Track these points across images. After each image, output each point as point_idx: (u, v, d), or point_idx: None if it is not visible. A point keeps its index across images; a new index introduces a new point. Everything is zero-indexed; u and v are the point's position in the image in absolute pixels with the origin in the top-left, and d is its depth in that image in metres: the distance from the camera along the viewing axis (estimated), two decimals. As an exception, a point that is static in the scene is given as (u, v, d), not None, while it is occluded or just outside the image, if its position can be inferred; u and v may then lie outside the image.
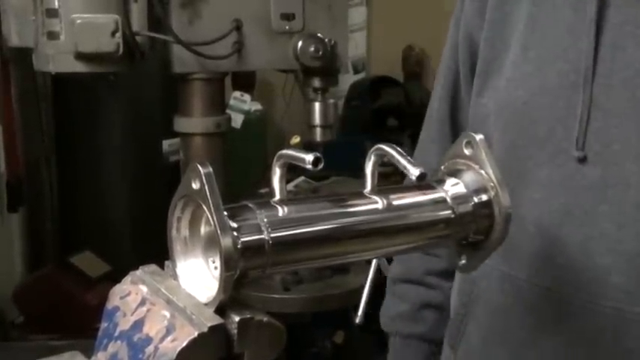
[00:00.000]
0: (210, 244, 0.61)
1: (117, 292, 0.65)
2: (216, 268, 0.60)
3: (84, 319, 2.08)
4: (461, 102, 1.11)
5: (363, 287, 1.80)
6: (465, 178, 0.70)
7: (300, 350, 2.47)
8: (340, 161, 2.24)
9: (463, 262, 0.72)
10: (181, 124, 1.53)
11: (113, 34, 1.32)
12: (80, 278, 2.59)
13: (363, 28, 4.57)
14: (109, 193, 2.89)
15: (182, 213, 0.62)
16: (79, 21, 1.31)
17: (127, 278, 0.65)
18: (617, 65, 0.89)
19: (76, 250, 2.72)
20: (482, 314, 1.03)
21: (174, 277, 0.63)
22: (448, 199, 0.68)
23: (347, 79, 4.30)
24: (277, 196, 0.63)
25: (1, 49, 1.83)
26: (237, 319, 0.58)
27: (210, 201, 0.57)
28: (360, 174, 0.69)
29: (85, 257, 2.69)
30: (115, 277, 0.67)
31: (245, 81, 1.62)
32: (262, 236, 0.59)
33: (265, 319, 0.59)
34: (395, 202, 0.67)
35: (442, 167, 0.72)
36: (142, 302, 0.62)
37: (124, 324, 0.62)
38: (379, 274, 1.75)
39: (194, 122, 1.51)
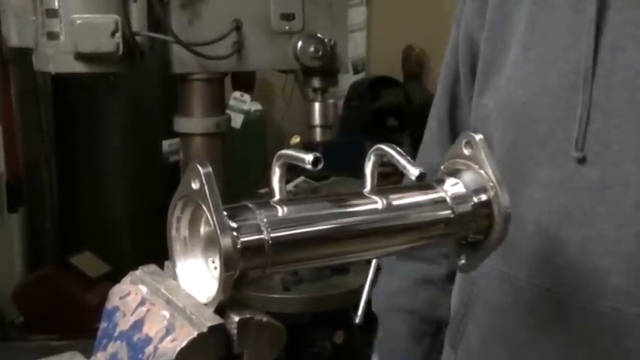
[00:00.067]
0: (210, 244, 0.62)
1: (116, 292, 0.65)
2: (215, 268, 0.60)
3: (84, 319, 2.07)
4: (460, 102, 1.11)
5: (362, 287, 1.80)
6: (464, 178, 0.70)
7: (300, 350, 2.47)
8: (340, 161, 2.24)
9: (462, 261, 0.72)
10: (181, 124, 1.53)
11: (113, 34, 1.32)
12: (80, 278, 2.59)
13: (362, 28, 4.57)
14: (108, 193, 2.89)
15: (182, 213, 0.62)
16: (78, 21, 1.31)
17: (127, 278, 0.65)
18: (616, 66, 0.89)
19: (76, 251, 2.72)
20: (481, 314, 1.03)
21: (174, 277, 0.63)
22: (448, 199, 0.68)
23: (347, 79, 4.29)
24: (277, 196, 0.63)
25: (1, 50, 1.83)
26: (236, 319, 0.58)
27: (209, 201, 0.57)
28: (359, 174, 0.69)
29: (84, 257, 2.69)
30: (115, 278, 0.67)
31: (245, 81, 1.62)
32: (262, 236, 0.59)
33: (265, 319, 0.59)
34: (394, 202, 0.67)
35: (442, 167, 0.72)
36: (142, 302, 0.62)
37: (124, 324, 0.62)
38: (379, 274, 1.75)
39: (194, 122, 1.51)
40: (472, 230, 0.69)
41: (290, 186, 2.80)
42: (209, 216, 0.57)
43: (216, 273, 0.58)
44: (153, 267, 0.66)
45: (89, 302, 2.44)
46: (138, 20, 1.37)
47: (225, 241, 0.56)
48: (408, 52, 4.58)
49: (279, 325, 0.60)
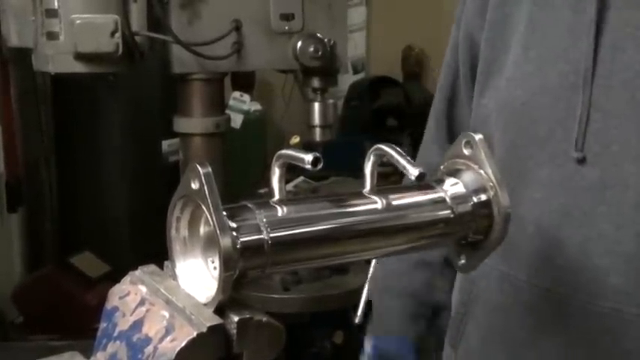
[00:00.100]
0: (210, 244, 0.62)
1: (116, 292, 0.65)
2: (215, 268, 0.60)
3: (83, 319, 2.07)
4: (459, 102, 1.12)
5: (362, 287, 1.80)
6: (464, 178, 0.70)
7: (300, 350, 2.47)
8: (340, 161, 2.24)
9: (462, 261, 0.72)
10: (181, 124, 1.53)
11: (112, 34, 1.32)
12: (80, 278, 2.59)
13: (362, 28, 4.57)
14: (108, 193, 2.89)
15: (181, 213, 0.62)
16: (78, 21, 1.31)
17: (126, 278, 0.65)
18: (616, 67, 0.89)
19: (76, 251, 2.72)
20: (481, 314, 1.03)
21: (174, 277, 0.63)
22: (447, 199, 0.68)
23: (346, 79, 4.29)
24: (276, 196, 0.63)
25: (0, 50, 1.83)
26: (236, 319, 0.58)
27: (209, 201, 0.57)
28: (359, 174, 0.69)
29: (84, 257, 2.69)
30: (115, 278, 0.67)
31: (244, 81, 1.61)
32: (261, 236, 0.59)
33: (264, 319, 0.59)
34: (394, 202, 0.67)
35: (441, 167, 0.72)
36: (141, 302, 0.62)
37: (123, 324, 0.62)
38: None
39: (193, 122, 1.51)
40: (472, 230, 0.69)
41: (290, 186, 2.80)
42: (209, 216, 0.57)
43: (216, 273, 0.58)
44: (152, 267, 0.66)
45: (89, 302, 2.44)
46: (137, 20, 1.37)
47: (225, 241, 0.56)
48: (408, 52, 4.58)
49: (279, 325, 0.60)
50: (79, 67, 1.34)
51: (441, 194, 0.69)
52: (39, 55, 1.38)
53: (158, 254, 0.67)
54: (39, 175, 2.92)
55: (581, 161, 0.90)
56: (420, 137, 1.21)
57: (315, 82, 1.53)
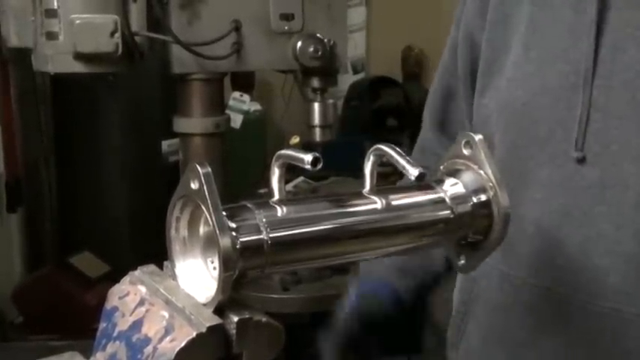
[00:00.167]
0: (209, 244, 0.62)
1: (116, 292, 0.65)
2: (215, 268, 0.60)
3: (83, 319, 2.07)
4: (453, 103, 1.12)
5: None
6: (464, 179, 0.70)
7: (299, 350, 2.47)
8: (339, 161, 2.24)
9: (462, 262, 0.72)
10: (180, 124, 1.53)
11: (112, 34, 1.32)
12: (79, 278, 2.59)
13: (362, 28, 4.57)
14: (108, 193, 2.89)
15: (181, 213, 0.62)
16: (78, 21, 1.31)
17: (126, 278, 0.65)
18: (617, 67, 0.89)
19: (76, 251, 2.72)
20: (482, 313, 1.03)
21: (173, 277, 0.63)
22: (447, 199, 0.68)
23: (346, 80, 4.29)
24: (276, 197, 0.63)
25: (0, 50, 1.83)
26: (235, 319, 0.58)
27: (208, 201, 0.57)
28: (359, 174, 0.69)
29: (84, 257, 2.69)
30: (114, 278, 0.67)
31: (244, 81, 1.61)
32: (261, 236, 0.59)
33: (264, 319, 0.59)
34: (394, 202, 0.67)
35: (441, 167, 0.72)
36: (141, 302, 0.62)
37: (123, 324, 0.62)
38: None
39: (193, 122, 1.51)
40: (471, 230, 0.69)
41: (289, 186, 2.80)
42: (208, 216, 0.57)
43: (216, 273, 0.58)
44: (152, 267, 0.66)
45: (88, 302, 2.44)
46: (137, 20, 1.37)
47: (225, 242, 0.56)
48: (408, 53, 4.58)
49: (278, 325, 0.60)
50: (78, 67, 1.34)
51: (441, 194, 0.69)
52: (38, 55, 1.38)
53: (158, 254, 0.67)
54: (39, 175, 2.91)
55: (581, 161, 0.90)
56: (420, 137, 1.22)
57: (315, 82, 1.53)
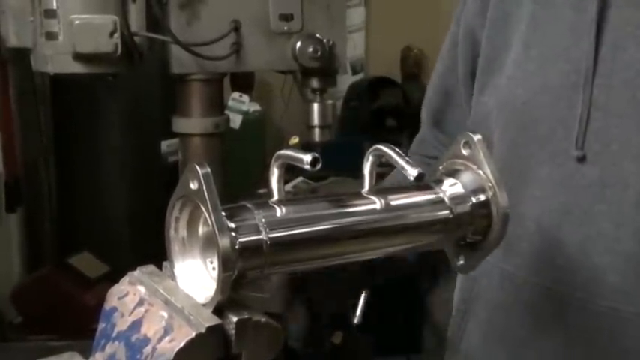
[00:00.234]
0: (208, 244, 0.62)
1: (115, 292, 0.65)
2: (214, 268, 0.60)
3: (82, 319, 2.07)
4: (452, 100, 1.12)
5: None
6: (463, 179, 0.70)
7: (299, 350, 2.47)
8: (339, 162, 2.23)
9: (461, 262, 0.72)
10: (180, 124, 1.52)
11: (111, 34, 1.32)
12: (79, 279, 2.59)
13: (361, 28, 4.57)
14: (107, 193, 2.88)
15: (180, 213, 0.62)
16: (77, 22, 1.31)
17: (125, 279, 0.65)
18: (617, 66, 0.89)
19: (75, 251, 2.72)
20: (482, 312, 1.03)
21: (172, 277, 0.63)
22: (446, 200, 0.69)
23: (345, 80, 4.29)
24: (275, 197, 0.63)
25: (-1, 50, 1.83)
26: (234, 319, 0.58)
27: (208, 201, 0.57)
28: (358, 174, 0.69)
29: (83, 258, 2.69)
30: (114, 278, 0.67)
31: (244, 82, 1.61)
32: (260, 237, 0.59)
33: (263, 319, 0.59)
34: (393, 203, 0.67)
35: (440, 167, 0.72)
36: (140, 303, 0.62)
37: (122, 324, 0.62)
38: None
39: (193, 123, 1.51)
40: (470, 230, 0.69)
41: (288, 186, 2.80)
42: (207, 216, 0.57)
43: (215, 273, 0.58)
44: (151, 267, 0.66)
45: (88, 302, 2.44)
46: (136, 21, 1.37)
47: (224, 242, 0.56)
48: (407, 53, 4.58)
49: (278, 325, 0.60)
50: (78, 68, 1.34)
51: (440, 195, 0.69)
52: (38, 56, 1.38)
53: (157, 254, 0.67)
54: (38, 175, 2.91)
55: (582, 160, 0.90)
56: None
57: (314, 83, 1.52)
